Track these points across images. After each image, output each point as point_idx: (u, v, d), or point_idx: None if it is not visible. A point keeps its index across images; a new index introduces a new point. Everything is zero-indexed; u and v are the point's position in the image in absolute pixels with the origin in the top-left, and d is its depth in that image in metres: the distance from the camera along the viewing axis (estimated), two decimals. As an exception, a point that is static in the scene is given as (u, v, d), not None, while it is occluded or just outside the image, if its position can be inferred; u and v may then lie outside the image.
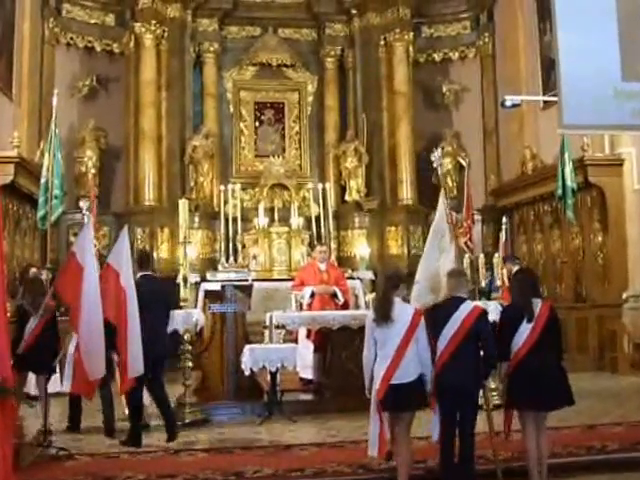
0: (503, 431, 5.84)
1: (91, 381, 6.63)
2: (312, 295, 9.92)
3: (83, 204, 13.94)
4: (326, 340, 9.40)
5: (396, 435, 5.67)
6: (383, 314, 5.58)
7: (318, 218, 15.42)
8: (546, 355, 5.66)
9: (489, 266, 10.03)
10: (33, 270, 10.18)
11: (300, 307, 9.78)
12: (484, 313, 5.73)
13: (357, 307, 12.71)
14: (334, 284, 10.17)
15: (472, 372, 5.58)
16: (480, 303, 7.51)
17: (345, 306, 10.13)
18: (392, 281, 5.78)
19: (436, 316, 5.74)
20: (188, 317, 8.21)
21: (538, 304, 5.74)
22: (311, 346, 9.50)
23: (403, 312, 5.59)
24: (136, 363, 6.60)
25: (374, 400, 5.66)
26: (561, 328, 6.08)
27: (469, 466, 5.62)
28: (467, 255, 10.08)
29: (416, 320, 5.57)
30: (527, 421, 5.72)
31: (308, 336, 9.65)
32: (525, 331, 5.64)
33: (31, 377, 8.92)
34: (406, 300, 5.99)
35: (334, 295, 10.09)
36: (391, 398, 5.52)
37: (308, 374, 9.66)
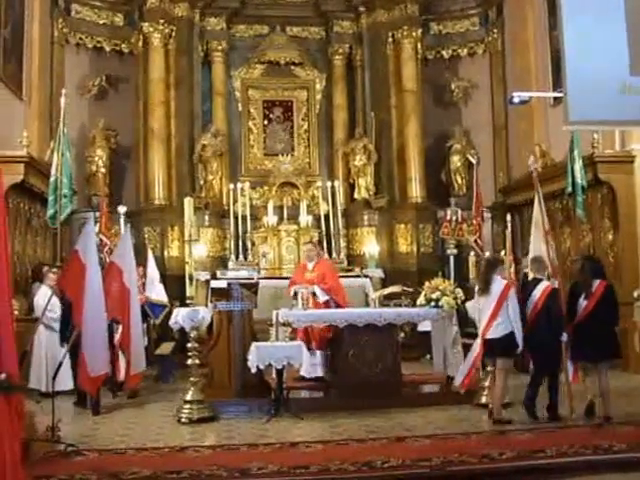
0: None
1: (94, 377, 6.70)
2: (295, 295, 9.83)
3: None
4: (332, 338, 9.48)
5: (494, 374, 7.95)
6: (483, 288, 7.93)
7: (327, 216, 15.51)
8: (599, 322, 7.61)
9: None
10: (46, 269, 10.27)
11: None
12: (554, 290, 7.94)
13: (366, 305, 12.75)
14: (320, 282, 10.14)
15: (549, 331, 7.73)
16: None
17: (328, 304, 9.98)
18: (490, 263, 8.32)
19: (526, 290, 8.12)
20: (194, 314, 8.25)
21: (596, 284, 7.72)
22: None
23: (497, 286, 7.81)
24: (139, 359, 6.66)
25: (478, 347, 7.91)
26: (616, 303, 7.96)
27: (555, 408, 7.81)
28: (473, 253, 10.10)
29: (505, 292, 7.74)
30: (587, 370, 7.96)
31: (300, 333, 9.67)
32: (583, 304, 7.72)
33: (42, 374, 9.04)
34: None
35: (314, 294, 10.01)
36: (487, 348, 7.82)
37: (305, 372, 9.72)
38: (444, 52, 16.73)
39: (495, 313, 7.70)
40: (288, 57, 16.56)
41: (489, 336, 7.75)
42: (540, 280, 8.07)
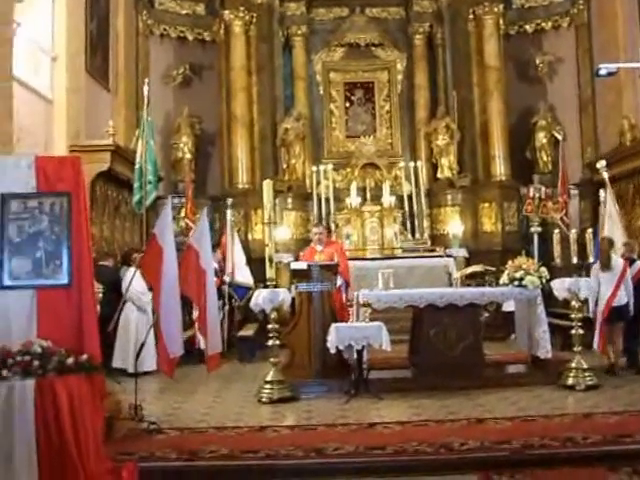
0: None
1: (172, 359, 6.82)
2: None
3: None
4: (414, 318, 9.40)
5: (614, 337, 9.35)
6: (605, 264, 9.31)
7: (410, 196, 15.38)
8: None
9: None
10: (135, 255, 10.50)
11: None
12: None
13: (450, 285, 12.59)
14: None
15: None
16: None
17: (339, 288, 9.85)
18: (610, 242, 9.56)
19: None
20: (274, 296, 8.31)
21: None
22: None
23: (617, 262, 9.33)
24: (216, 340, 6.73)
25: (599, 316, 9.22)
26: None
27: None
28: (557, 231, 9.85)
29: (625, 268, 9.27)
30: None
31: None
32: None
33: (127, 354, 9.25)
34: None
35: None
36: (611, 315, 9.15)
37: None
38: (527, 26, 16.27)
39: (619, 285, 9.15)
40: (368, 38, 16.45)
41: (615, 304, 9.13)
42: (634, 260, 9.61)
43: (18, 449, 5.18)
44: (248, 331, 11.67)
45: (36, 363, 5.29)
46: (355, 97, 16.74)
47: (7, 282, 5.62)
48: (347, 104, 16.73)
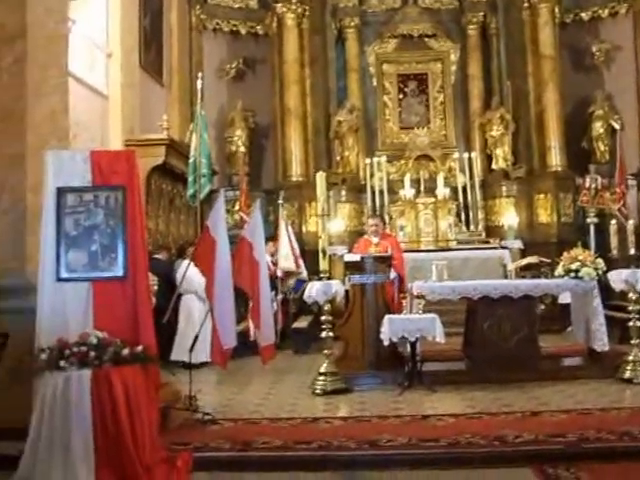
0: None
1: (225, 350, 6.86)
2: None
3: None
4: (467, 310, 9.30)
5: None
6: None
7: (464, 188, 15.22)
8: None
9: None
10: (190, 249, 10.59)
11: None
12: None
13: (505, 277, 12.46)
14: None
15: None
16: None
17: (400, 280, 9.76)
18: None
19: None
20: (327, 288, 8.30)
21: None
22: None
23: None
24: (269, 332, 6.76)
25: None
26: None
27: None
28: (614, 222, 9.65)
29: None
30: None
31: None
32: None
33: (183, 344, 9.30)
34: None
35: None
36: None
37: None
38: (583, 14, 15.91)
39: None
40: (421, 29, 16.33)
41: None
42: None
43: (75, 439, 5.27)
44: (302, 323, 11.71)
45: (92, 354, 5.37)
46: (408, 88, 16.61)
47: (64, 275, 5.71)
48: (400, 96, 16.61)
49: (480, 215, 15.33)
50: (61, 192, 5.81)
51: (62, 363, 5.37)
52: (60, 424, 5.31)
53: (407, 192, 15.05)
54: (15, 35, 7.32)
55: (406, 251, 12.75)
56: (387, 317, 8.28)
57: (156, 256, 10.38)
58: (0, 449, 5.60)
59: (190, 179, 9.85)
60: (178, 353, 9.43)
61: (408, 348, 8.35)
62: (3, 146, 7.16)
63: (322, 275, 8.45)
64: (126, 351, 5.43)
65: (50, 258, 5.74)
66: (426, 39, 16.49)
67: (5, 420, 5.61)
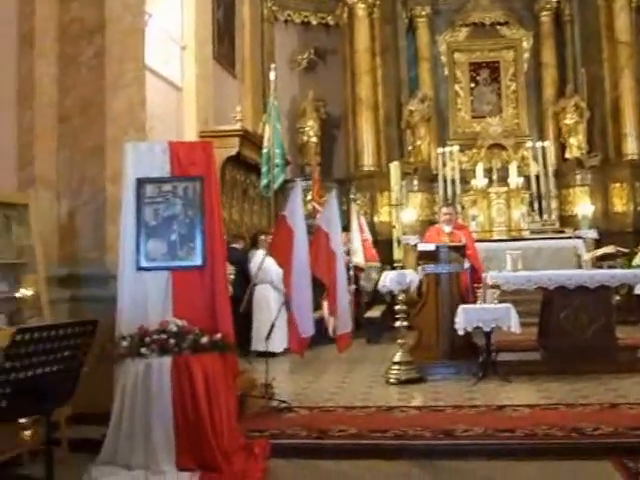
0: None
1: (302, 339, 6.88)
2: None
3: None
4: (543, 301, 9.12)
5: None
6: None
7: (538, 177, 14.93)
8: None
9: None
10: (262, 237, 10.66)
11: None
12: None
13: (579, 267, 12.18)
14: None
15: None
16: None
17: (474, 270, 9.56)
18: None
19: None
20: (402, 278, 8.24)
21: None
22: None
23: None
24: (346, 320, 6.74)
25: None
26: None
27: None
28: None
29: None
30: None
31: None
32: None
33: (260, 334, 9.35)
34: None
35: None
36: None
37: None
38: (661, -1, 15.41)
39: None
40: (493, 17, 16.08)
41: None
42: None
43: (156, 424, 5.35)
44: (375, 313, 11.66)
45: (172, 342, 5.44)
46: (480, 77, 16.35)
47: (144, 264, 5.80)
48: (472, 84, 16.36)
49: (554, 204, 15.02)
50: (140, 183, 5.89)
51: (143, 350, 5.45)
52: (141, 410, 5.40)
53: (479, 181, 14.86)
54: (94, 30, 7.45)
55: (478, 241, 12.61)
56: (462, 307, 8.17)
57: (233, 245, 10.45)
58: (83, 433, 5.71)
59: (264, 169, 9.88)
60: (256, 343, 9.47)
61: (483, 338, 8.23)
62: (83, 138, 7.30)
63: (396, 265, 8.39)
64: (205, 339, 5.48)
65: (130, 248, 5.83)
66: (498, 27, 16.21)
67: (88, 405, 5.71)
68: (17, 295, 6.08)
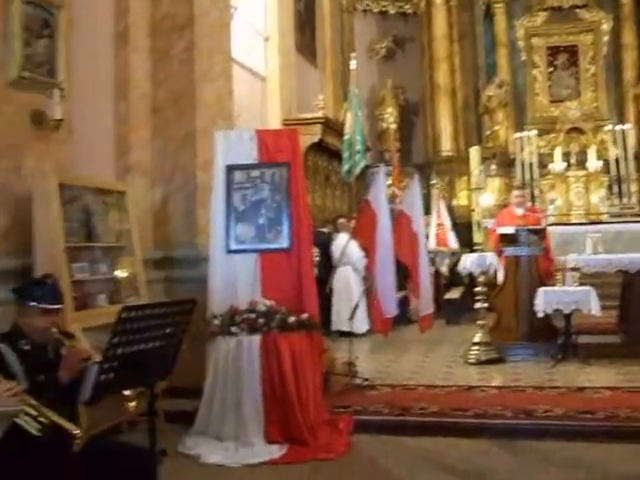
0: None
1: (386, 319, 6.92)
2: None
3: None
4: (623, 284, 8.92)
5: None
6: None
7: (617, 160, 14.53)
8: None
9: None
10: (341, 221, 10.75)
11: None
12: None
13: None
14: None
15: None
16: None
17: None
18: None
19: None
20: (482, 260, 8.20)
21: None
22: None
23: None
24: (427, 301, 6.75)
25: None
26: None
27: None
28: None
29: None
30: None
31: None
32: None
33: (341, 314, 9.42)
34: None
35: None
36: None
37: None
38: None
39: None
40: (571, 0, 15.61)
41: None
42: None
43: (246, 398, 5.49)
44: (454, 294, 11.62)
45: (261, 321, 5.56)
46: (558, 61, 15.95)
47: (233, 247, 5.93)
48: (550, 69, 15.98)
49: (633, 188, 14.57)
50: (230, 169, 6.02)
51: (233, 329, 5.60)
52: (232, 384, 5.55)
53: (557, 165, 14.56)
54: (184, 25, 7.61)
55: (556, 224, 12.42)
56: (542, 289, 8.06)
57: (320, 229, 10.60)
58: (178, 406, 5.89)
59: (345, 155, 9.93)
60: (337, 323, 9.56)
61: (562, 320, 8.11)
62: (175, 128, 7.48)
63: (476, 247, 8.34)
64: (292, 318, 5.59)
65: (220, 231, 5.97)
66: (576, 10, 15.74)
67: (182, 380, 5.89)
68: (116, 276, 6.28)
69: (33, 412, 3.16)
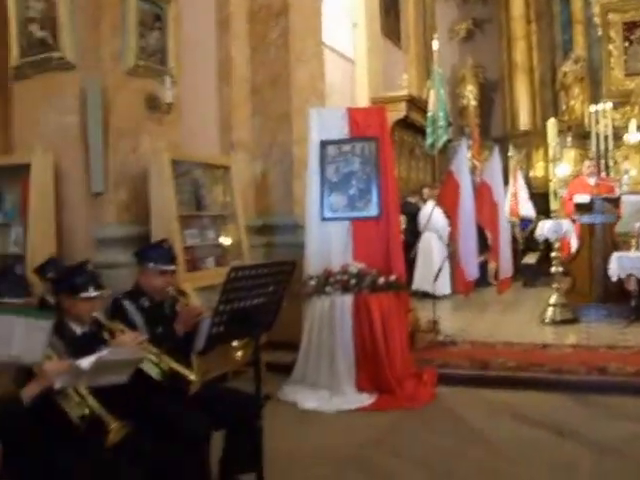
0: None
1: (468, 281, 6.88)
2: None
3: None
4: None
5: None
6: None
7: (694, 132, 13.87)
8: None
9: None
10: (425, 190, 10.68)
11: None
12: None
13: None
14: None
15: None
16: None
17: None
18: None
19: None
20: (558, 227, 8.03)
21: None
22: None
23: None
24: (506, 266, 6.67)
25: None
26: None
27: None
28: None
29: None
30: None
31: None
32: None
33: (427, 278, 9.35)
34: None
35: None
36: None
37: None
38: None
39: None
40: (647, -25, 14.87)
41: None
42: None
43: (339, 351, 5.57)
44: (531, 259, 11.41)
45: (353, 282, 5.61)
46: (634, 36, 15.24)
47: (328, 215, 5.99)
48: (626, 43, 15.30)
49: None
50: (323, 144, 6.05)
51: (327, 289, 5.67)
52: (326, 340, 5.64)
53: (632, 137, 13.98)
54: (279, 12, 7.64)
55: (630, 193, 11.96)
56: (615, 254, 7.82)
57: (409, 199, 10.57)
58: (278, 358, 6.01)
59: (429, 130, 9.84)
60: (420, 284, 9.53)
61: (635, 285, 7.85)
62: (273, 107, 7.56)
63: (553, 215, 8.16)
64: (381, 280, 5.62)
65: (316, 201, 6.03)
66: (653, -14, 15.00)
67: (281, 334, 6.01)
68: (222, 242, 6.43)
69: (155, 359, 3.31)
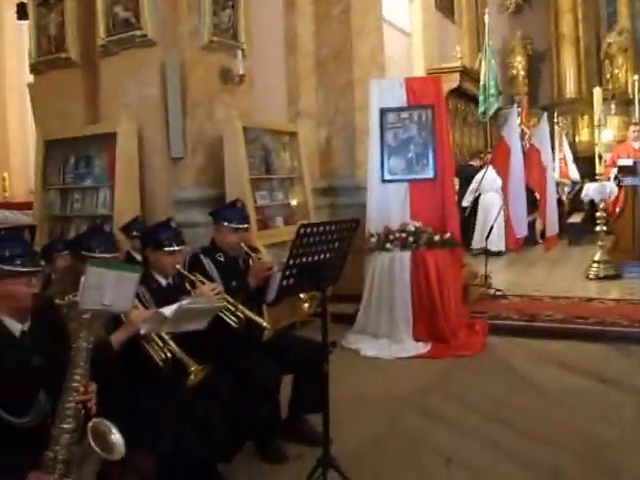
0: None
1: (518, 238, 6.69)
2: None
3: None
4: None
5: None
6: None
7: None
8: None
9: None
10: (481, 154, 10.41)
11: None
12: None
13: None
14: None
15: None
16: None
17: None
18: None
19: None
20: (602, 188, 7.68)
21: None
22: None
23: None
24: (553, 224, 6.45)
25: None
26: None
27: None
28: None
29: None
30: None
31: None
32: None
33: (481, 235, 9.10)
34: None
35: None
36: None
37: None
38: None
39: None
40: (694, -54, 13.92)
41: None
42: None
43: (398, 302, 5.47)
44: (576, 219, 11.03)
45: (411, 239, 5.48)
46: (679, 6, 14.39)
47: (387, 177, 5.85)
48: (669, 15, 14.46)
49: None
50: (383, 112, 5.89)
51: (387, 245, 5.55)
52: (386, 291, 5.54)
53: (675, 104, 13.27)
54: (342, -10, 7.42)
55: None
56: (658, 214, 7.47)
57: (470, 163, 10.30)
58: (342, 309, 5.94)
59: (480, 99, 9.55)
60: (478, 242, 9.26)
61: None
62: (336, 78, 7.42)
63: (598, 177, 7.81)
64: (437, 237, 5.47)
65: (376, 164, 5.89)
66: (700, -45, 14.05)
67: (345, 288, 5.93)
68: (290, 202, 6.36)
69: (232, 308, 3.27)
